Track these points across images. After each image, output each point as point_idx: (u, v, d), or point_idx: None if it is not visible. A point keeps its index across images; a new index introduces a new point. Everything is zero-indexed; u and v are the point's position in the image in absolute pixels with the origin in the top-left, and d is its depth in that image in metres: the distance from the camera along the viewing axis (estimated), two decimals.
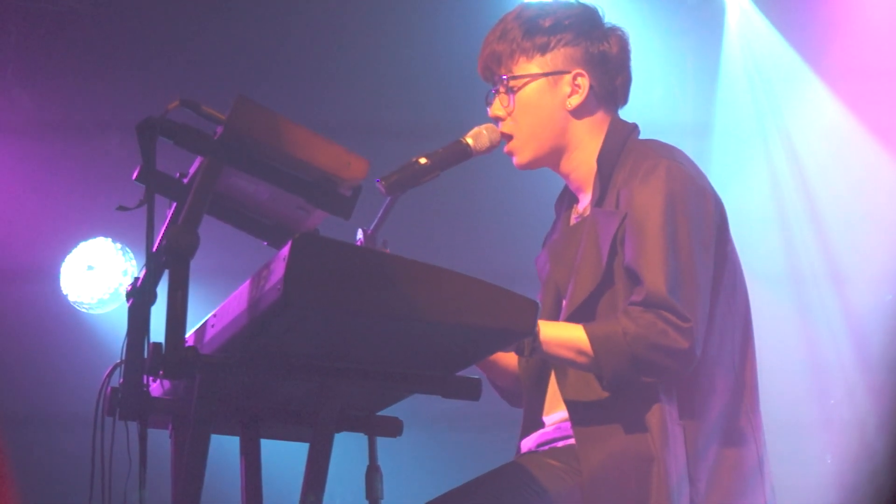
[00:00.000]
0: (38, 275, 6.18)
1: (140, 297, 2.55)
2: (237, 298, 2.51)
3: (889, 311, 5.66)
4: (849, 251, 5.88)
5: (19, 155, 6.10)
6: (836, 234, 5.95)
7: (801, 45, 6.08)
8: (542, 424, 3.18)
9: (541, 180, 3.68)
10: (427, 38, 6.12)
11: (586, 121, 3.22)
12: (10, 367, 5.99)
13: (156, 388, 2.83)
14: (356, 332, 2.45)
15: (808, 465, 5.66)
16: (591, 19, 3.23)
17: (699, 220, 3.03)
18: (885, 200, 5.80)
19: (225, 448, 2.89)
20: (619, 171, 3.13)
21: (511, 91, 3.20)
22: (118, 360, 2.61)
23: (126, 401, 2.54)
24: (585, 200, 3.24)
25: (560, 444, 3.10)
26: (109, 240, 6.29)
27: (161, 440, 2.78)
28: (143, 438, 2.50)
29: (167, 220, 2.65)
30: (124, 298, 2.63)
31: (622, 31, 3.27)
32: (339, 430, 2.67)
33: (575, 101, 3.20)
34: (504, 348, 2.86)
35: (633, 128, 3.24)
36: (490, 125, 3.22)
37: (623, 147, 3.18)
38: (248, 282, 2.48)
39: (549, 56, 3.20)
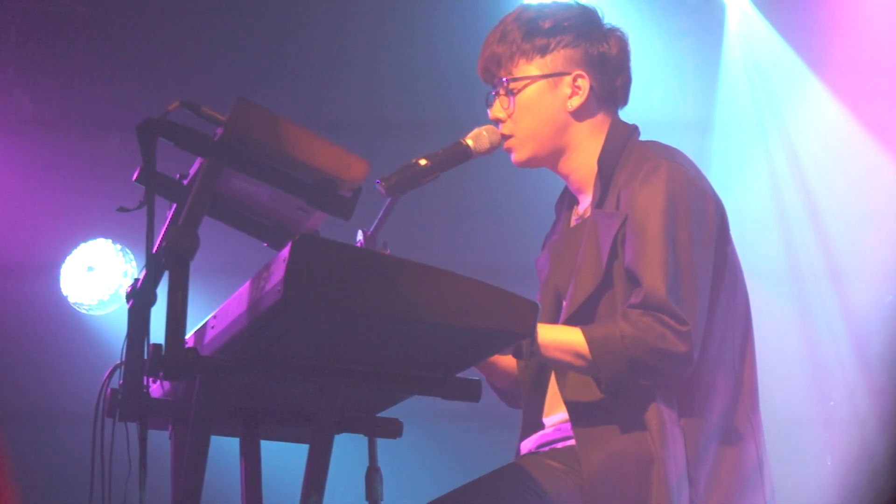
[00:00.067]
0: (38, 276, 6.18)
1: (140, 298, 2.55)
2: (237, 300, 2.51)
3: (889, 311, 5.66)
4: (849, 252, 5.89)
5: (19, 156, 6.11)
6: (837, 235, 5.95)
7: (800, 46, 6.09)
8: (541, 426, 3.18)
9: (541, 181, 3.69)
10: (428, 36, 6.12)
11: (587, 122, 3.22)
12: (10, 368, 5.99)
13: (156, 389, 2.83)
14: (356, 334, 2.45)
15: (808, 466, 5.66)
16: (590, 20, 3.23)
17: (699, 222, 3.03)
18: (884, 200, 5.81)
19: (225, 449, 2.89)
20: (620, 173, 3.13)
21: (511, 93, 3.20)
22: (118, 362, 2.61)
23: (126, 402, 2.54)
24: (586, 202, 3.24)
25: (560, 445, 3.10)
26: (109, 241, 6.30)
27: (161, 441, 2.78)
28: (143, 439, 2.50)
29: (167, 222, 2.65)
30: (124, 299, 2.63)
31: (622, 31, 3.27)
32: (338, 432, 2.67)
33: (575, 102, 3.20)
34: (504, 349, 2.86)
35: (634, 129, 3.24)
36: (490, 126, 3.22)
37: (624, 148, 3.18)
38: (248, 283, 2.48)
39: (548, 58, 3.20)
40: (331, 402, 2.54)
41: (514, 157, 3.24)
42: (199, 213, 2.52)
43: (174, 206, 2.68)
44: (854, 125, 5.92)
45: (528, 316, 2.47)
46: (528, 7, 3.27)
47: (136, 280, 2.57)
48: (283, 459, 3.74)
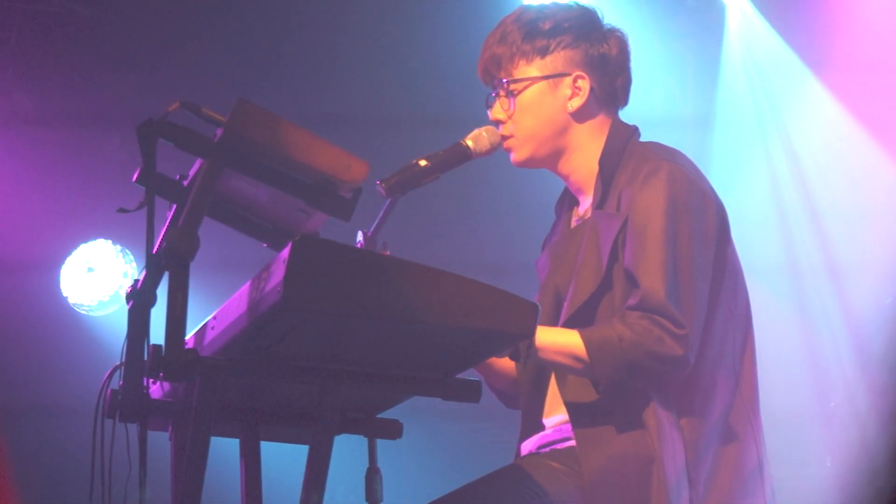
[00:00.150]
0: (38, 276, 6.19)
1: (140, 299, 2.55)
2: (237, 300, 2.51)
3: (889, 313, 5.66)
4: (849, 253, 5.89)
5: (20, 156, 6.11)
6: (837, 236, 5.95)
7: (800, 47, 6.09)
8: (542, 427, 3.18)
9: (540, 182, 3.68)
10: (428, 34, 6.12)
11: (587, 123, 3.22)
12: (10, 369, 5.99)
13: (156, 390, 2.83)
14: (356, 335, 2.45)
15: (808, 467, 5.66)
16: (590, 21, 3.23)
17: (700, 224, 3.03)
18: (883, 198, 5.81)
19: (225, 450, 2.89)
20: (621, 174, 3.13)
21: (511, 94, 3.20)
22: (118, 363, 2.61)
23: (126, 403, 2.54)
24: (586, 203, 3.24)
25: (560, 446, 3.10)
26: (109, 242, 6.30)
27: (161, 442, 2.78)
28: (143, 440, 2.50)
29: (167, 223, 2.65)
30: (124, 300, 2.63)
31: (622, 32, 3.27)
32: (339, 433, 2.67)
33: (576, 103, 3.20)
34: (505, 350, 2.86)
35: (635, 130, 3.24)
36: (490, 127, 3.22)
37: (625, 149, 3.18)
38: (248, 284, 2.48)
39: (548, 59, 3.20)
40: (331, 403, 2.54)
41: (514, 157, 3.24)
42: (199, 214, 2.52)
43: (174, 206, 2.68)
44: (854, 125, 5.93)
45: (529, 317, 2.47)
46: (528, 8, 3.27)
47: (137, 281, 2.57)
48: (283, 460, 3.74)
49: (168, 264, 2.47)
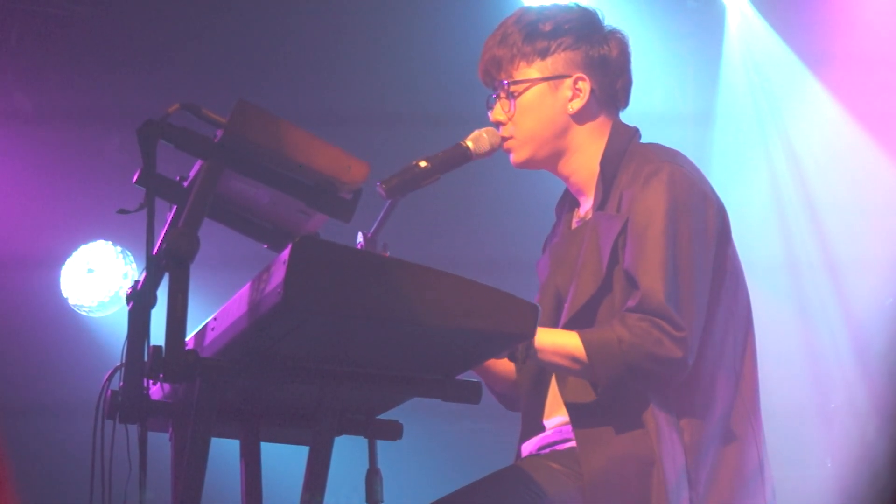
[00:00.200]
0: (38, 277, 6.18)
1: (140, 300, 2.55)
2: (237, 302, 2.51)
3: (889, 314, 5.66)
4: (849, 254, 5.89)
5: (20, 157, 6.11)
6: (837, 237, 5.96)
7: (800, 47, 6.09)
8: (542, 428, 3.18)
9: (541, 183, 3.68)
10: (429, 32, 6.12)
11: (587, 124, 3.22)
12: (10, 370, 5.99)
13: (156, 391, 2.83)
14: (356, 336, 2.45)
15: (808, 468, 5.66)
16: (590, 23, 3.23)
17: (700, 225, 3.04)
18: (883, 198, 5.81)
19: (225, 451, 2.89)
20: (622, 175, 3.13)
21: (512, 96, 3.20)
22: (118, 364, 2.61)
23: (126, 404, 2.54)
24: (587, 204, 3.24)
25: (561, 447, 3.10)
26: (110, 243, 6.30)
27: (161, 443, 2.78)
28: (143, 441, 2.50)
29: (167, 224, 2.65)
30: (124, 302, 2.63)
31: (622, 33, 3.27)
32: (339, 434, 2.67)
33: (576, 104, 3.20)
34: (505, 351, 2.86)
35: (635, 131, 3.24)
36: (490, 128, 3.22)
37: (625, 151, 3.18)
38: (248, 285, 2.48)
39: (549, 60, 3.20)
40: (331, 404, 2.54)
41: (513, 157, 3.24)
42: (199, 215, 2.52)
43: (174, 208, 2.68)
44: (853, 124, 5.93)
45: (529, 318, 2.46)
46: (528, 9, 3.27)
47: (137, 282, 2.57)
48: (284, 462, 3.74)
49: (168, 265, 2.47)
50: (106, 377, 2.70)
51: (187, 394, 2.65)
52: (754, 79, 6.30)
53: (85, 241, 6.28)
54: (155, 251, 2.52)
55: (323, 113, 5.84)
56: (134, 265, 6.29)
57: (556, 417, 3.14)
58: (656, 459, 2.91)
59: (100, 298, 6.28)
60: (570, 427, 3.06)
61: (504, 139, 3.22)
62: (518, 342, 2.73)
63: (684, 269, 2.97)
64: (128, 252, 6.30)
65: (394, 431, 2.83)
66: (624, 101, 3.28)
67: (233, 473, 2.87)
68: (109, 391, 2.63)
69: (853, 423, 5.71)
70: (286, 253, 2.32)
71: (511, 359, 2.93)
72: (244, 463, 2.84)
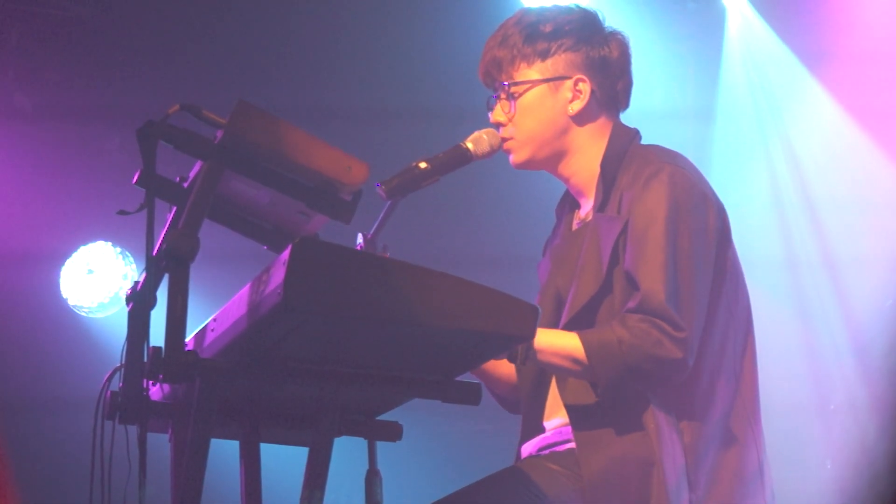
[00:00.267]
0: (37, 278, 6.18)
1: (140, 301, 2.55)
2: (237, 302, 2.51)
3: (889, 316, 5.66)
4: (849, 253, 5.89)
5: (20, 157, 6.10)
6: (836, 236, 5.95)
7: (800, 49, 6.09)
8: (542, 429, 3.18)
9: (541, 184, 3.68)
10: (429, 31, 6.11)
11: (588, 126, 3.22)
12: (9, 370, 5.99)
13: (155, 392, 2.83)
14: (356, 337, 2.45)
15: (808, 471, 5.66)
16: (591, 24, 3.23)
17: (701, 227, 3.04)
18: (882, 197, 5.81)
19: (225, 452, 2.89)
20: (623, 176, 3.13)
21: (512, 97, 3.20)
22: (118, 364, 2.61)
23: (126, 405, 2.54)
24: (587, 205, 3.24)
25: (560, 448, 3.10)
26: (109, 244, 6.29)
27: (161, 444, 2.78)
28: (142, 442, 2.50)
29: (167, 225, 2.65)
30: (124, 302, 2.62)
31: (622, 35, 3.27)
32: (338, 435, 2.67)
33: (576, 106, 3.20)
34: (504, 352, 2.86)
35: (636, 133, 3.24)
36: (490, 129, 3.22)
37: (626, 152, 3.18)
38: (248, 286, 2.48)
39: (549, 62, 3.20)
40: (330, 405, 2.54)
41: (513, 158, 3.25)
42: (199, 216, 2.52)
43: (174, 208, 2.68)
44: (852, 124, 5.93)
45: (529, 319, 2.46)
46: (528, 11, 3.27)
47: (136, 283, 2.57)
48: (283, 463, 3.73)
49: (168, 266, 2.47)
50: (106, 378, 2.70)
51: (187, 394, 2.65)
52: (754, 79, 6.30)
53: (85, 242, 6.28)
54: (155, 252, 2.52)
55: (323, 113, 5.83)
56: (134, 266, 6.28)
57: (555, 419, 3.14)
58: (656, 461, 2.91)
59: (99, 299, 6.27)
60: (569, 428, 3.06)
61: (504, 140, 3.22)
62: (518, 343, 2.74)
63: (684, 270, 2.97)
64: (128, 253, 6.30)
65: (394, 432, 2.83)
66: (624, 103, 3.28)
67: (233, 474, 2.87)
68: (109, 392, 2.63)
69: (853, 423, 5.71)
70: (286, 254, 2.32)
71: (511, 360, 2.94)
72: (244, 463, 2.84)
